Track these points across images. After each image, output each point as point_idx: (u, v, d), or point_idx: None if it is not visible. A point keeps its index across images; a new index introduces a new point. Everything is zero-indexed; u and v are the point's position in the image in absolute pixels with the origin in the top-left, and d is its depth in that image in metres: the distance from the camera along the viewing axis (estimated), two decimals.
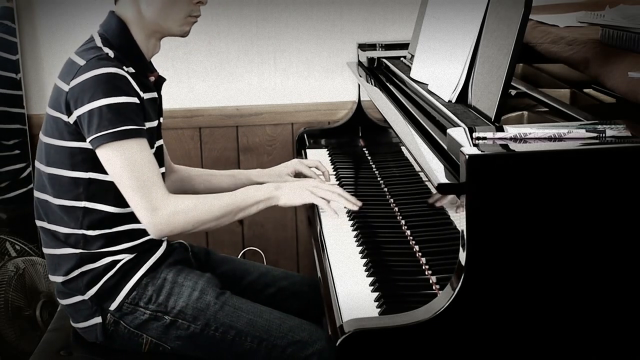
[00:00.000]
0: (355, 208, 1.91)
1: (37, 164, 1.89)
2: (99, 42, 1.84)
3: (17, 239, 2.78)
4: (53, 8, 2.79)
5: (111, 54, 1.81)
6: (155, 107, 1.93)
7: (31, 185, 1.94)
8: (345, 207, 1.94)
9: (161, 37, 1.93)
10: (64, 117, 1.78)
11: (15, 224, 2.81)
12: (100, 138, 1.74)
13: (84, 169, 1.81)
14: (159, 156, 1.93)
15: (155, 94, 1.93)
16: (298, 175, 2.20)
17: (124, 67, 1.80)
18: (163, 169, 1.93)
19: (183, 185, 2.18)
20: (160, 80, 1.98)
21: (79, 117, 1.76)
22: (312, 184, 1.93)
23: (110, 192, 1.82)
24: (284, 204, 1.89)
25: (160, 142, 1.95)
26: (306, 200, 1.90)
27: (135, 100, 1.78)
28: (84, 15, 2.75)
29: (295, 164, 2.20)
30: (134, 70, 1.84)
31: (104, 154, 1.76)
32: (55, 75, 1.86)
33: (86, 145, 1.78)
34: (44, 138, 1.86)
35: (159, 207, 1.77)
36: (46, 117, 1.86)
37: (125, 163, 1.75)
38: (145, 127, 1.81)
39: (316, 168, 2.20)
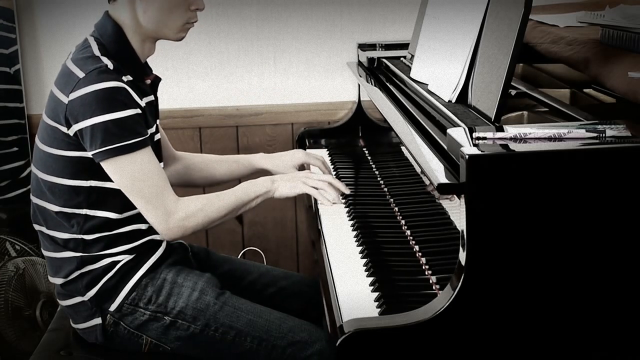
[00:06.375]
0: (346, 192, 2.01)
1: (35, 170, 1.87)
2: (96, 50, 1.81)
3: (17, 239, 2.78)
4: (53, 8, 2.79)
5: (110, 65, 1.78)
6: (153, 111, 1.93)
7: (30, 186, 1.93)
8: (342, 204, 2.04)
9: (156, 41, 1.92)
10: (63, 129, 1.77)
11: (15, 224, 2.81)
12: (106, 152, 1.73)
13: (84, 177, 1.80)
14: (158, 150, 1.93)
15: (152, 97, 1.93)
16: (302, 168, 2.23)
17: (123, 77, 1.79)
18: (162, 164, 1.94)
19: (186, 173, 2.20)
20: (157, 80, 1.97)
21: (79, 130, 1.75)
22: (304, 174, 1.99)
23: (111, 199, 1.82)
24: (280, 196, 1.95)
25: (158, 137, 1.95)
26: (300, 190, 1.96)
27: (137, 111, 1.78)
28: (84, 15, 2.74)
29: (302, 157, 2.22)
30: (131, 78, 1.83)
31: (111, 167, 1.76)
32: (55, 76, 1.85)
33: (86, 154, 1.77)
34: (41, 146, 1.84)
35: (172, 213, 1.79)
36: (43, 124, 1.84)
37: (136, 175, 1.76)
38: (148, 135, 1.81)
39: (318, 168, 2.23)
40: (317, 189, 1.98)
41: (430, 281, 1.67)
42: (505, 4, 1.65)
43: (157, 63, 2.02)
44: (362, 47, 2.75)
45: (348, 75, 2.93)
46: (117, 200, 1.82)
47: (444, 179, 1.44)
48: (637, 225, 1.38)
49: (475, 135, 1.44)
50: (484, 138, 1.43)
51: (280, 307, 1.95)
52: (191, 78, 2.91)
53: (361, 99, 2.79)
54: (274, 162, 2.21)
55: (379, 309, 1.55)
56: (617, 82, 1.66)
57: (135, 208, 1.82)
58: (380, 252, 1.83)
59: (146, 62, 1.94)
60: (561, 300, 1.40)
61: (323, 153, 2.64)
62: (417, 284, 1.67)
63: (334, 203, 2.02)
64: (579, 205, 1.37)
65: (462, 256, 1.38)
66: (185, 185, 2.22)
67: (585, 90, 2.04)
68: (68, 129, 1.76)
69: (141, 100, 1.82)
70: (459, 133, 1.48)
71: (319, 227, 2.01)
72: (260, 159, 2.23)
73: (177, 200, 1.82)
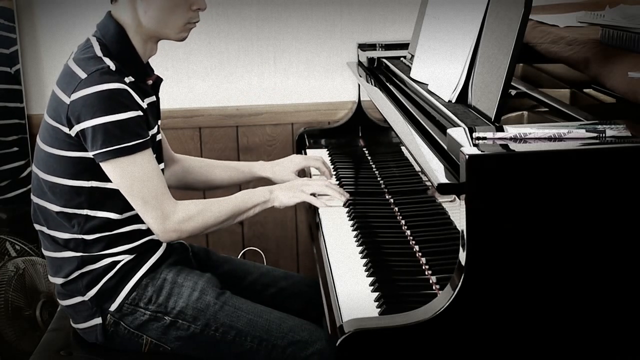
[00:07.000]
0: (343, 199, 2.02)
1: (36, 170, 1.87)
2: (98, 51, 1.81)
3: (17, 239, 2.78)
4: (53, 8, 2.79)
5: (112, 66, 1.78)
6: (154, 112, 1.93)
7: (31, 185, 1.93)
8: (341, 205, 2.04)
9: (158, 41, 1.92)
10: (65, 129, 1.77)
11: (15, 224, 2.81)
12: (106, 154, 1.73)
13: (85, 177, 1.80)
14: (159, 151, 1.93)
15: (154, 97, 1.93)
16: (302, 172, 2.23)
17: (125, 79, 1.79)
18: (162, 165, 1.94)
19: (185, 176, 2.20)
20: (158, 81, 1.97)
21: (80, 131, 1.75)
22: (302, 182, 2.00)
23: (112, 200, 1.82)
24: (279, 205, 1.97)
25: (159, 137, 1.95)
26: (298, 199, 1.97)
27: (139, 113, 1.78)
28: (84, 15, 2.75)
29: (301, 161, 2.23)
30: (133, 79, 1.83)
31: (111, 168, 1.76)
32: (55, 76, 1.85)
33: (88, 155, 1.77)
34: (42, 146, 1.84)
35: (170, 215, 1.80)
36: (44, 124, 1.84)
37: (135, 176, 1.76)
38: (149, 137, 1.81)
39: (318, 169, 2.24)
40: (315, 195, 1.99)
41: (430, 281, 1.67)
42: (505, 4, 1.65)
43: (157, 63, 2.02)
44: (362, 47, 2.75)
45: (348, 75, 2.93)
46: (118, 200, 1.82)
47: (444, 179, 1.44)
48: (637, 225, 1.38)
49: (475, 135, 1.44)
50: (484, 138, 1.43)
51: (281, 307, 1.95)
52: (191, 78, 2.91)
53: (361, 99, 2.79)
54: (273, 170, 2.22)
55: (379, 309, 1.55)
56: (617, 82, 1.66)
57: None
58: (380, 252, 1.83)
59: (148, 63, 1.94)
60: (561, 300, 1.41)
61: (323, 153, 2.64)
62: (417, 284, 1.67)
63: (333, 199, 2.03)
64: (579, 206, 1.37)
65: (462, 256, 1.38)
66: (183, 188, 2.22)
67: (585, 90, 2.04)
68: (69, 130, 1.76)
69: (143, 101, 1.82)
70: (459, 133, 1.48)
71: (319, 227, 2.01)
72: (260, 167, 2.23)
73: (175, 203, 1.82)
